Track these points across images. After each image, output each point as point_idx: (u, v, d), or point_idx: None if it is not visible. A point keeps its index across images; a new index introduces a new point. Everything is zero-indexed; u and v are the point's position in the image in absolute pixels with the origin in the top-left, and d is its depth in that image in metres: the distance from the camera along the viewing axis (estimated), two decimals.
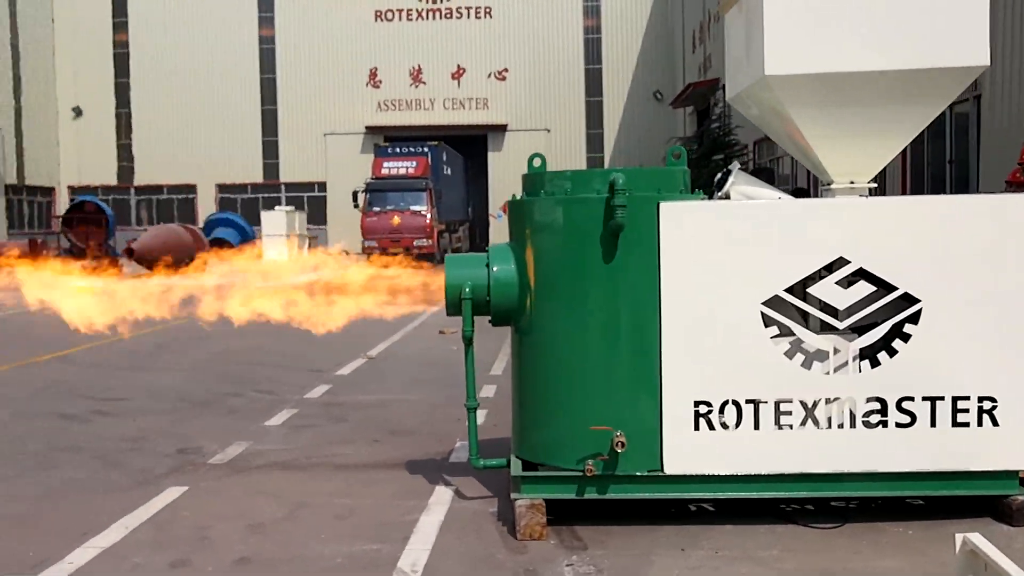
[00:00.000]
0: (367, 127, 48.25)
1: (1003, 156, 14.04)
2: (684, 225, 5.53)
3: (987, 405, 5.55)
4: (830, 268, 5.53)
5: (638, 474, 5.65)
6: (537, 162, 5.99)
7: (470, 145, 48.41)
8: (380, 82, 48.87)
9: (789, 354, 5.57)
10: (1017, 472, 5.66)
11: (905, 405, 5.56)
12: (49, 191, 48.76)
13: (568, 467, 5.67)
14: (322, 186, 48.00)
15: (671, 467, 5.62)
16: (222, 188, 48.70)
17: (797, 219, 5.58)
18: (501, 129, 48.70)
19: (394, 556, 5.39)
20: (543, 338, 5.83)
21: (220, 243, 38.06)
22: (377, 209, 37.35)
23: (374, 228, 37.06)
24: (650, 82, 48.61)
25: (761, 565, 5.14)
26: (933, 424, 5.56)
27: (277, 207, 41.79)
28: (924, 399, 5.56)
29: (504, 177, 46.02)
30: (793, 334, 5.56)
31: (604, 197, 5.49)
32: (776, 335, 5.56)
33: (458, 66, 48.80)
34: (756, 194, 6.02)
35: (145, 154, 48.86)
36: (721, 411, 5.59)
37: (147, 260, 25.94)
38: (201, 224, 42.55)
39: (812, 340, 5.57)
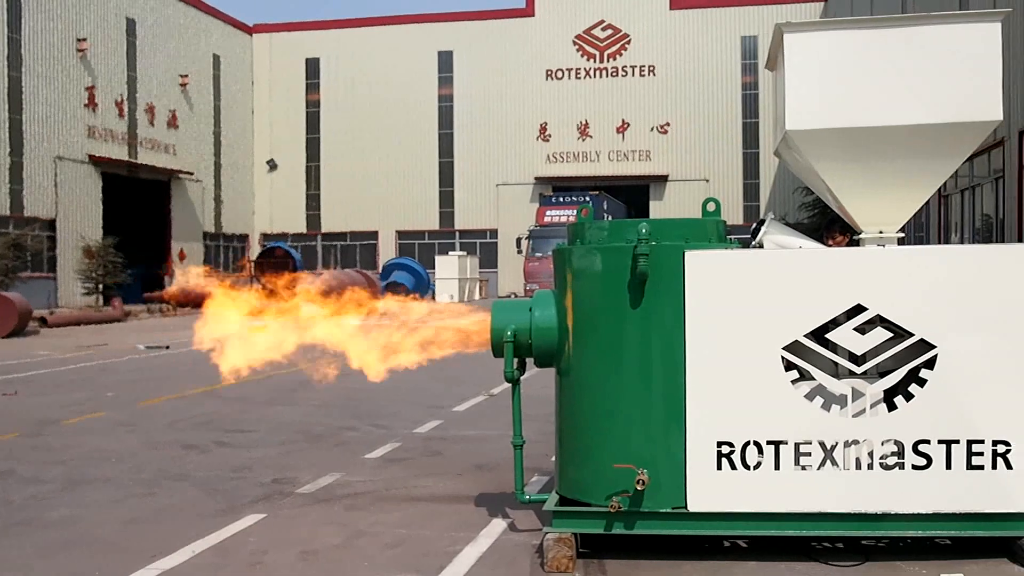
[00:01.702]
0: (536, 178, 49.21)
1: None
2: (708, 273, 5.66)
3: (1001, 449, 5.49)
4: (848, 315, 5.57)
5: (663, 511, 5.76)
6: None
7: (633, 194, 48.75)
8: (549, 136, 49.81)
9: (809, 397, 5.61)
10: None
11: (921, 448, 5.53)
12: (244, 238, 51.25)
13: (598, 503, 5.82)
14: (493, 233, 49.02)
15: (695, 504, 5.72)
16: (401, 234, 50.32)
17: (816, 267, 5.64)
18: (662, 179, 49.02)
19: None
20: (578, 379, 6.02)
21: (396, 286, 39.37)
22: (539, 255, 38.08)
23: (535, 272, 37.82)
24: None
25: None
26: (948, 467, 5.52)
27: (451, 252, 42.85)
28: (940, 442, 5.52)
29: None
30: (813, 378, 5.61)
31: (633, 246, 5.68)
32: (796, 379, 5.61)
33: (623, 120, 49.38)
34: (788, 243, 6.10)
35: (331, 204, 51.06)
36: (743, 451, 5.67)
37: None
38: (380, 268, 44.01)
39: (831, 384, 5.60)
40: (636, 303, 5.72)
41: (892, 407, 5.56)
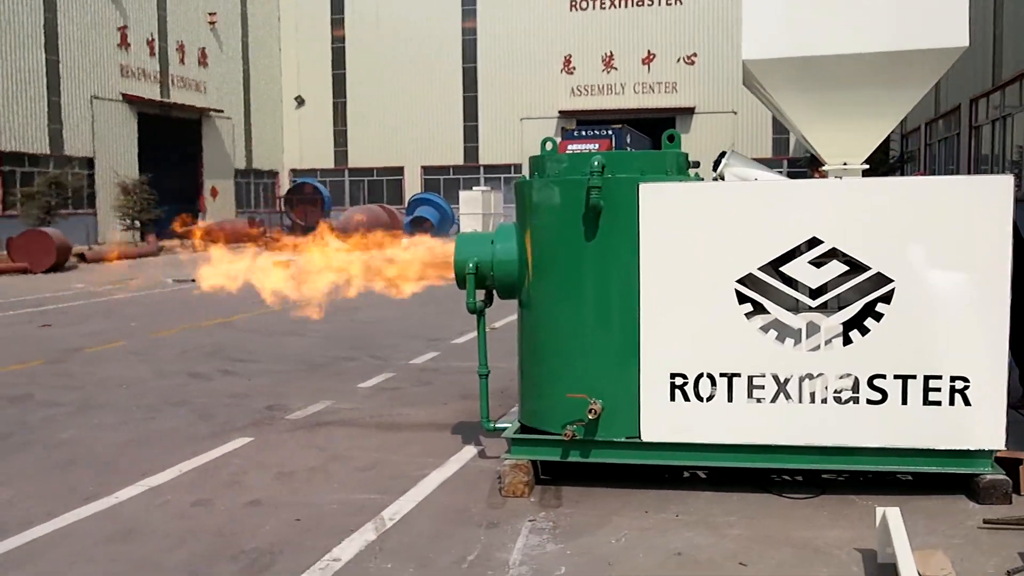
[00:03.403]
0: (560, 111, 48.47)
1: None
2: (662, 205, 5.48)
3: (959, 385, 5.29)
4: (804, 248, 5.37)
5: (617, 440, 5.65)
6: (549, 146, 6.02)
7: (659, 128, 47.86)
8: (574, 68, 48.97)
9: (763, 330, 5.44)
10: (990, 452, 5.37)
11: (877, 383, 5.36)
12: (273, 175, 51.20)
13: (555, 432, 5.71)
14: (518, 168, 48.55)
15: (648, 434, 5.60)
16: (426, 170, 49.97)
17: (770, 199, 5.43)
18: (689, 112, 47.99)
19: (383, 505, 5.60)
20: (537, 312, 5.88)
21: (421, 221, 39.24)
22: None
23: None
24: None
25: (710, 529, 5.07)
26: (904, 402, 5.34)
27: (474, 187, 42.53)
28: (896, 377, 5.34)
29: (692, 156, 45.28)
30: (767, 311, 5.43)
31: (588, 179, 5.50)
32: (750, 312, 5.44)
33: (648, 51, 48.32)
34: (750, 176, 5.89)
35: (358, 139, 50.71)
36: (696, 383, 5.53)
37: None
38: (406, 203, 43.85)
39: (786, 317, 5.42)
40: (591, 236, 5.56)
41: (848, 341, 5.38)
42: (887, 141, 31.90)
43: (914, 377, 5.32)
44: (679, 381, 5.54)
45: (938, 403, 5.32)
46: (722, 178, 5.90)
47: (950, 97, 25.51)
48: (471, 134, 49.86)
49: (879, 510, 4.58)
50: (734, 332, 5.46)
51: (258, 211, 47.60)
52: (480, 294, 6.25)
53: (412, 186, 49.61)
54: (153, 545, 5.07)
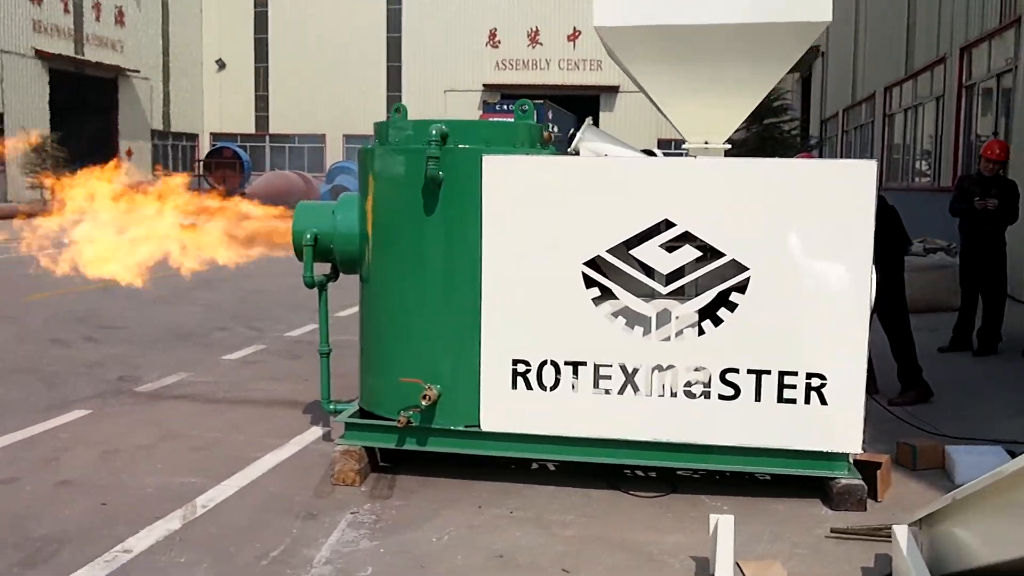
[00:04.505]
0: (484, 84, 47.77)
1: None
2: (506, 179, 5.04)
3: (816, 383, 4.93)
4: (655, 230, 4.96)
5: (456, 428, 5.23)
6: (400, 113, 5.54)
7: (584, 105, 47.44)
8: (499, 42, 48.26)
9: (611, 317, 5.04)
10: (846, 455, 5.02)
11: (729, 377, 4.99)
12: (193, 137, 49.84)
13: (392, 417, 5.26)
14: None
15: (488, 424, 5.19)
16: (349, 138, 48.89)
17: (621, 177, 5.01)
18: (614, 91, 47.47)
19: (201, 490, 5.16)
20: (375, 288, 5.43)
21: (340, 189, 38.40)
22: None
23: None
24: None
25: (542, 528, 4.69)
26: (758, 399, 4.97)
27: None
28: (749, 372, 4.97)
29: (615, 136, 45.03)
30: (616, 297, 5.03)
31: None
32: (597, 296, 5.03)
33: (574, 28, 47.77)
34: (607, 152, 5.46)
35: (280, 105, 49.46)
36: (539, 371, 5.11)
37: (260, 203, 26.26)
38: (327, 171, 42.97)
39: (634, 304, 5.02)
40: (432, 210, 5.11)
41: (700, 332, 4.99)
42: (806, 125, 31.91)
43: (768, 372, 4.95)
44: (521, 368, 5.12)
45: (793, 401, 4.95)
46: (576, 153, 5.46)
47: (866, 84, 25.45)
48: (394, 103, 48.90)
49: (712, 518, 4.21)
50: (580, 318, 5.05)
51: (176, 174, 46.27)
52: (326, 268, 5.80)
53: (333, 154, 48.54)
54: None
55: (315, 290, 5.84)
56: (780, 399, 4.96)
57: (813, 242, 4.86)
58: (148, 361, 8.56)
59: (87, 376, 7.92)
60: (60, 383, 7.65)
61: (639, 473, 5.48)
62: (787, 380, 4.95)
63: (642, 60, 5.21)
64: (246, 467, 5.54)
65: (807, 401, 4.94)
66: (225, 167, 42.94)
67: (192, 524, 4.70)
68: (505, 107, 39.41)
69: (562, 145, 6.43)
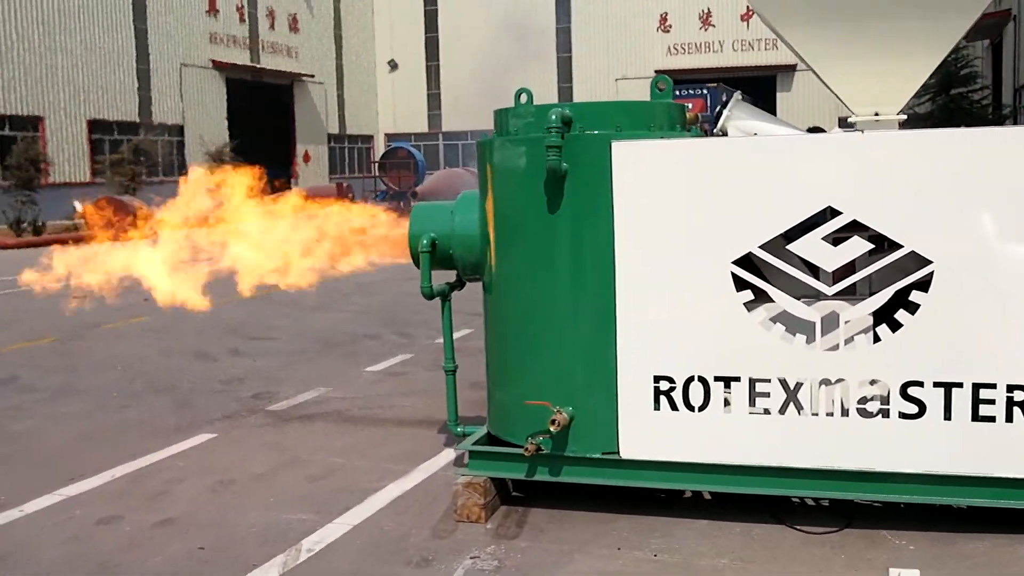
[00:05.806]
0: (656, 71, 46.68)
1: None
2: (640, 168, 4.37)
3: (1019, 397, 4.07)
4: (816, 220, 4.21)
5: (592, 456, 4.60)
6: (523, 98, 4.95)
7: (760, 87, 45.91)
8: (670, 26, 47.32)
9: (766, 324, 4.31)
10: None
11: (911, 392, 4.18)
12: (368, 139, 50.73)
13: (520, 443, 4.68)
14: None
15: (627, 451, 4.53)
16: None
17: (777, 159, 4.26)
18: (790, 69, 45.68)
19: (311, 529, 4.69)
20: (498, 298, 4.86)
21: None
22: None
23: None
24: None
25: None
26: (948, 417, 4.15)
27: None
28: (936, 385, 4.15)
29: (792, 118, 43.16)
30: (772, 300, 4.29)
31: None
32: (751, 301, 4.31)
33: (747, 7, 46.20)
34: (759, 130, 4.72)
35: (451, 103, 49.77)
36: (685, 389, 4.42)
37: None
38: None
39: (794, 308, 4.28)
40: (556, 206, 4.49)
41: (875, 339, 4.21)
42: (998, 95, 29.68)
43: (959, 385, 4.13)
44: (664, 386, 4.44)
45: (991, 419, 4.11)
46: (724, 134, 4.74)
47: None
48: (565, 95, 48.47)
49: (892, 573, 3.45)
50: (731, 326, 4.33)
51: (353, 176, 47.17)
52: (451, 276, 5.29)
53: None
54: None
55: (447, 299, 5.30)
56: (975, 417, 4.12)
57: (1011, 228, 4.01)
58: (289, 374, 8.28)
59: (222, 394, 7.66)
60: (193, 402, 7.41)
61: (809, 502, 4.74)
62: (983, 394, 4.11)
63: (797, 25, 4.44)
64: (363, 500, 5.06)
65: (1009, 419, 4.09)
66: (400, 167, 43.36)
67: (291, 574, 4.23)
68: (677, 93, 38.30)
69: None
